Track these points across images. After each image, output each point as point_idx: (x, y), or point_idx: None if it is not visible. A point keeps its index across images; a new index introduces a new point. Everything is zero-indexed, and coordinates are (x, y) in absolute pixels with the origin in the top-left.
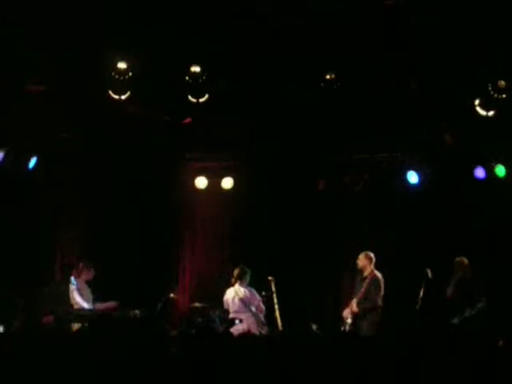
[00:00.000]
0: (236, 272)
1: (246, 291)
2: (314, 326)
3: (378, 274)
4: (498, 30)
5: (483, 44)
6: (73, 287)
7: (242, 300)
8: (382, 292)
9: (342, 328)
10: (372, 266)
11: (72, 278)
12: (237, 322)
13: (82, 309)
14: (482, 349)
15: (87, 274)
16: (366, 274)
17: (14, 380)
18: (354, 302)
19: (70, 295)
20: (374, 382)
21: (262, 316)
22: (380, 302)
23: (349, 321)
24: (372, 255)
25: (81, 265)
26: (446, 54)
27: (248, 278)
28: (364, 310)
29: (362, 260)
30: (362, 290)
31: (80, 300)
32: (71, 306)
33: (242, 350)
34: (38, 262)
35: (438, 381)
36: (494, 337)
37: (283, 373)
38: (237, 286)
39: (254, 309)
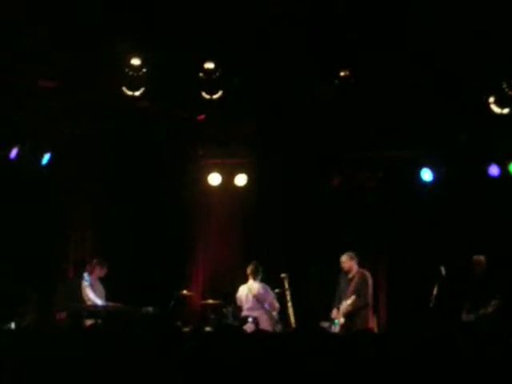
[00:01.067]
0: (249, 269)
1: (260, 288)
2: (326, 324)
3: (366, 272)
4: None
5: (498, 41)
6: (86, 283)
7: (255, 297)
8: (371, 289)
9: (331, 329)
10: (357, 265)
11: (85, 275)
12: (249, 319)
13: (95, 305)
14: (495, 347)
15: (100, 271)
16: (352, 273)
17: (26, 375)
18: (344, 303)
19: (83, 292)
20: (387, 380)
21: (275, 313)
22: (371, 298)
23: (341, 320)
24: (354, 254)
25: (94, 261)
26: (461, 52)
27: (261, 274)
28: (358, 308)
29: (346, 262)
30: (352, 288)
31: (93, 296)
32: (84, 302)
33: (255, 348)
34: (51, 258)
35: (451, 379)
36: (508, 335)
37: (295, 370)
38: (250, 282)
39: (267, 306)
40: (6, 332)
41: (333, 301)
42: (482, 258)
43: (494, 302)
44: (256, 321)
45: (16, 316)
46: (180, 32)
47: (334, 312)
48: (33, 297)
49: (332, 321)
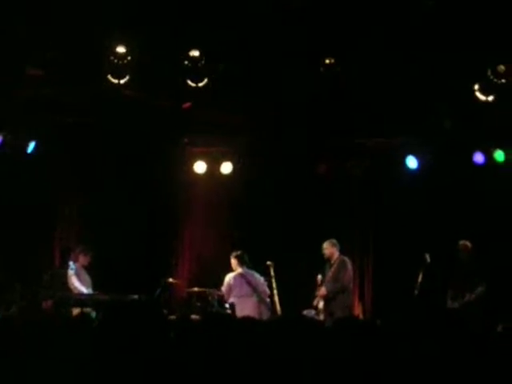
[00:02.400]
0: (234, 257)
1: (249, 275)
2: (311, 312)
3: (345, 258)
4: (498, 14)
5: (483, 28)
6: (71, 272)
7: (249, 283)
8: (350, 274)
9: (318, 317)
10: (338, 252)
11: (71, 263)
12: (226, 305)
13: (81, 293)
14: (480, 334)
15: (84, 259)
16: (333, 260)
17: (13, 365)
18: (322, 287)
19: (69, 280)
20: (374, 368)
21: (267, 300)
22: (350, 284)
23: (320, 305)
24: (335, 241)
25: (78, 249)
26: (446, 39)
27: (247, 262)
28: (333, 292)
29: (328, 248)
30: (330, 274)
31: (78, 285)
32: (70, 290)
33: (243, 335)
34: (36, 247)
35: (437, 366)
36: (494, 322)
37: (283, 358)
38: (239, 269)
39: (259, 292)
40: None
41: (318, 289)
42: (467, 242)
43: (480, 289)
44: (232, 307)
45: (1, 305)
46: (165, 20)
47: (315, 300)
48: (17, 286)
49: (315, 308)
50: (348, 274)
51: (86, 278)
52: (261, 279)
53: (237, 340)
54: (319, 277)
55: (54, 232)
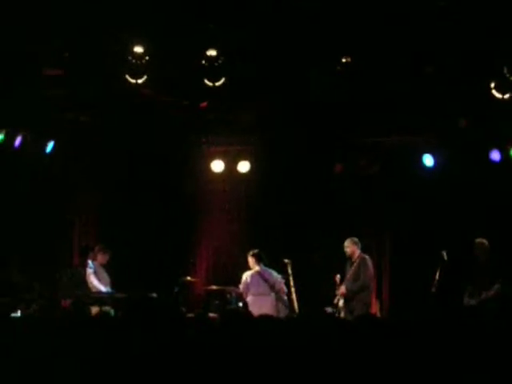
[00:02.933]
0: (251, 256)
1: (266, 273)
2: (330, 309)
3: (366, 256)
4: None
5: (499, 26)
6: (90, 270)
7: (267, 281)
8: (371, 272)
9: (337, 314)
10: (359, 250)
11: (89, 262)
12: (240, 304)
13: (100, 292)
14: (497, 331)
15: (103, 258)
16: (354, 258)
17: (31, 363)
18: (342, 286)
19: (87, 279)
20: (390, 365)
21: (285, 297)
22: (371, 283)
23: (340, 304)
24: (357, 240)
25: (96, 248)
26: (462, 37)
27: (265, 260)
28: (353, 291)
29: (349, 246)
30: (351, 272)
31: (97, 283)
32: (89, 289)
33: (260, 333)
34: (55, 246)
35: (453, 363)
36: (510, 319)
37: (300, 356)
38: (256, 268)
39: (276, 290)
40: (11, 320)
41: (337, 287)
42: (484, 241)
43: (496, 286)
44: (245, 305)
45: (21, 304)
46: (182, 19)
47: (336, 298)
48: (36, 285)
49: (335, 306)
50: (369, 273)
51: (105, 276)
52: (278, 277)
53: (255, 337)
54: (338, 276)
55: (73, 231)
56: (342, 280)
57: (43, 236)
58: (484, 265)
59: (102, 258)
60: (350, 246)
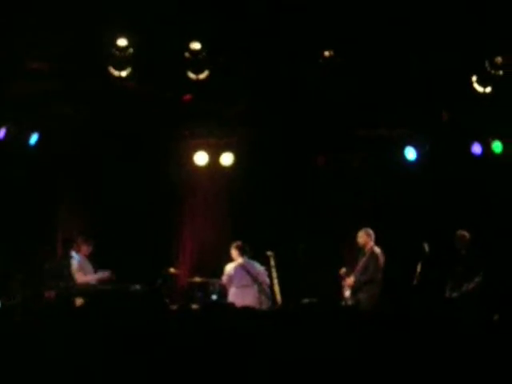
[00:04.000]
0: (234, 248)
1: (249, 265)
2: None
3: (377, 249)
4: (496, 6)
5: (481, 20)
6: (74, 262)
7: (249, 273)
8: (381, 265)
9: (344, 303)
10: (372, 242)
11: (73, 253)
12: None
13: (84, 283)
14: (477, 323)
15: (86, 249)
16: (366, 249)
17: (16, 354)
18: (350, 277)
19: (72, 270)
20: (372, 356)
21: (268, 289)
22: (379, 275)
23: (347, 295)
24: (371, 231)
25: (79, 239)
26: (444, 30)
27: (248, 252)
28: (360, 283)
29: (362, 237)
30: (361, 263)
31: (81, 275)
32: (73, 280)
33: (243, 324)
34: (38, 237)
35: (434, 355)
36: (490, 311)
37: (283, 347)
38: (240, 260)
39: (259, 282)
40: None
41: (344, 279)
42: (465, 233)
43: (477, 279)
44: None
45: (3, 295)
46: (166, 12)
47: (344, 289)
48: (20, 276)
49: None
50: (378, 265)
51: (89, 267)
52: (261, 269)
53: (236, 329)
54: (343, 269)
55: (56, 222)
56: (347, 273)
57: (27, 227)
58: (465, 257)
59: (85, 249)
60: (363, 237)
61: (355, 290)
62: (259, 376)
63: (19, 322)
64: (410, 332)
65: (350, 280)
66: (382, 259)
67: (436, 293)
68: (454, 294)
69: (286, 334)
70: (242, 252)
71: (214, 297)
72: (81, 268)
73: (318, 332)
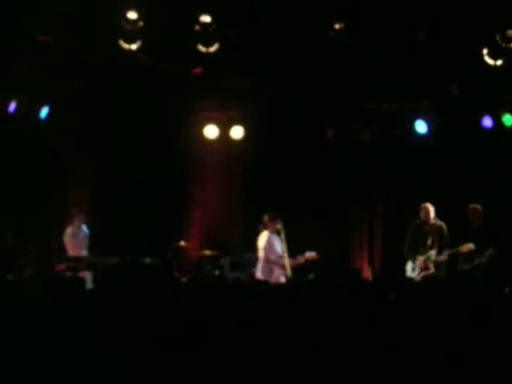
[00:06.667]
0: (264, 219)
1: (269, 239)
2: (312, 276)
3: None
4: None
5: None
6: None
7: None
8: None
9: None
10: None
11: (84, 227)
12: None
13: (90, 257)
14: (488, 295)
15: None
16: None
17: (26, 327)
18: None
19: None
20: (382, 329)
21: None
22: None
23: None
24: (429, 206)
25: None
26: (455, 3)
27: (277, 224)
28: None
29: (422, 212)
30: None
31: (72, 247)
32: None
33: (250, 298)
34: (49, 211)
35: (445, 326)
36: (502, 284)
37: (289, 320)
38: (264, 232)
39: (273, 256)
40: (4, 283)
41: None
42: (477, 206)
43: (490, 251)
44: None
45: (15, 268)
46: None
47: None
48: (32, 249)
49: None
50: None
51: (81, 239)
52: (276, 244)
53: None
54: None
55: (66, 196)
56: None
57: (37, 201)
58: (477, 229)
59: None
60: (423, 212)
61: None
62: (266, 349)
63: (30, 294)
64: (424, 304)
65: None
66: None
67: (448, 266)
68: (466, 267)
69: (294, 308)
70: (267, 224)
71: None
72: (70, 240)
73: (326, 305)
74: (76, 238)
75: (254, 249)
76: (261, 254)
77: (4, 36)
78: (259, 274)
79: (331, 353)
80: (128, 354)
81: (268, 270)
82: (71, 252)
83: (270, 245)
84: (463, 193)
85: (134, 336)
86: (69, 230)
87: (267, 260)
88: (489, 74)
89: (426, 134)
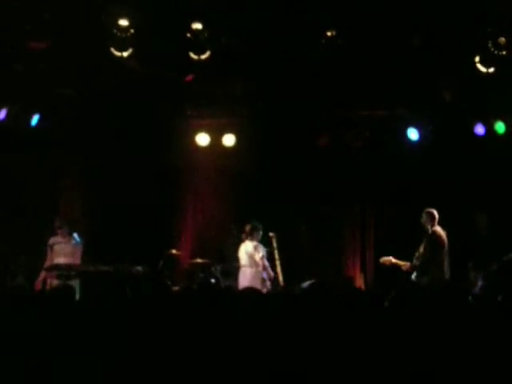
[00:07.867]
0: (246, 228)
1: (255, 247)
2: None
3: (438, 229)
4: None
5: (484, 1)
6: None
7: (249, 255)
8: (441, 245)
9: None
10: (431, 223)
11: (75, 235)
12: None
13: (83, 265)
14: (481, 303)
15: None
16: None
17: (15, 336)
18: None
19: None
20: (382, 334)
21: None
22: (439, 256)
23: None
24: (433, 212)
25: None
26: (448, 11)
27: (259, 234)
28: (415, 266)
29: (422, 218)
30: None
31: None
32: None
33: (244, 306)
34: (40, 219)
35: (441, 334)
36: (495, 292)
37: (285, 328)
38: (247, 242)
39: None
40: None
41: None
42: (484, 214)
43: (505, 258)
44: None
45: (7, 275)
46: None
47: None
48: (21, 258)
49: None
50: (437, 246)
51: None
52: (261, 251)
53: (235, 311)
54: (390, 258)
55: (58, 204)
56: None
57: (28, 209)
58: (485, 238)
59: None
60: (423, 218)
61: (419, 274)
62: (262, 358)
63: (24, 301)
64: (420, 317)
65: (407, 265)
66: (442, 239)
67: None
68: (495, 266)
69: (290, 317)
70: (251, 233)
71: (212, 280)
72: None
73: (321, 314)
74: (56, 247)
75: (237, 259)
76: (250, 262)
77: None
78: (247, 282)
79: (326, 361)
80: (118, 363)
81: (261, 278)
82: (48, 262)
83: (258, 252)
84: (455, 200)
85: (124, 345)
86: (50, 241)
87: (264, 267)
88: (481, 82)
89: (418, 141)
